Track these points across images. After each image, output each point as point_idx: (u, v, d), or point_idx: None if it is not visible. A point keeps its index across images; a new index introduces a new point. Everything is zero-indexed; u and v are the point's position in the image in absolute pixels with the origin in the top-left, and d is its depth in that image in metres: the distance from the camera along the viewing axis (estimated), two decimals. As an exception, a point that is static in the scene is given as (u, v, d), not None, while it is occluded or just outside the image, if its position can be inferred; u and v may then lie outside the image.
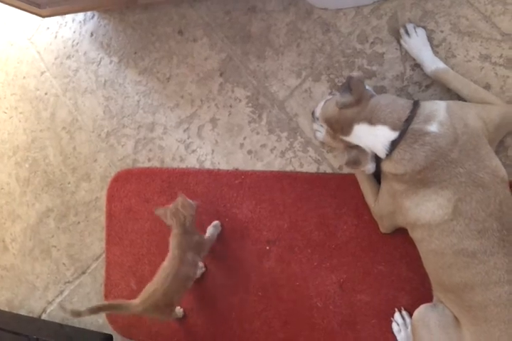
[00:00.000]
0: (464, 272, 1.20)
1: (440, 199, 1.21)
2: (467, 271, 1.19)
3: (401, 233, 1.46)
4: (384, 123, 1.25)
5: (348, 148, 1.38)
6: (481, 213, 1.17)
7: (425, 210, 1.23)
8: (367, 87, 1.35)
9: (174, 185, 1.97)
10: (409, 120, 1.22)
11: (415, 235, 1.31)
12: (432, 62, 1.46)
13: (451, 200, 1.19)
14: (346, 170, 1.65)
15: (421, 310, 1.33)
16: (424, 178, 1.22)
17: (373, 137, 1.28)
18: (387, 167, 1.30)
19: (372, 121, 1.27)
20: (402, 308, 1.53)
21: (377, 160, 1.37)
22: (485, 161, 1.19)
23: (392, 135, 1.24)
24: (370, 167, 1.39)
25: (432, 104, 1.26)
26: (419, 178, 1.23)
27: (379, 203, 1.47)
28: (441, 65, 1.45)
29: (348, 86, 1.31)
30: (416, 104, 1.26)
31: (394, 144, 1.24)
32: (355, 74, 1.30)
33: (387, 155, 1.27)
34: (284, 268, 1.73)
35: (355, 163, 1.38)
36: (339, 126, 1.35)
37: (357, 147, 1.35)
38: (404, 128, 1.22)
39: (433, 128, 1.20)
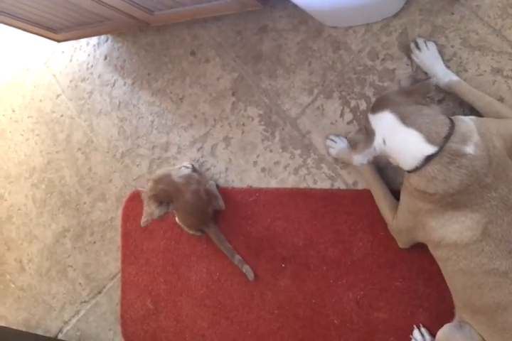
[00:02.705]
0: (495, 292, 1.16)
1: (469, 222, 1.17)
2: (499, 290, 1.15)
3: (418, 249, 1.44)
4: (419, 130, 1.17)
5: (361, 130, 1.33)
6: None
7: (452, 231, 1.19)
8: (430, 101, 1.27)
9: (189, 204, 1.98)
10: (447, 137, 1.16)
11: (439, 254, 1.27)
12: (444, 75, 1.45)
13: (481, 223, 1.15)
14: (361, 186, 1.65)
15: (445, 331, 1.30)
16: (454, 201, 1.17)
17: (401, 140, 1.21)
18: (415, 182, 1.23)
19: (406, 121, 1.19)
20: (421, 325, 1.50)
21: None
22: None
23: (429, 149, 1.16)
24: (358, 159, 1.31)
25: (465, 124, 1.20)
26: (449, 201, 1.18)
27: (398, 219, 1.42)
28: (454, 77, 1.44)
29: (417, 81, 1.26)
30: (452, 122, 1.20)
31: (427, 159, 1.17)
32: (433, 80, 1.24)
33: (416, 168, 1.20)
34: (299, 285, 1.72)
35: (352, 144, 1.33)
36: (377, 101, 1.29)
37: (368, 135, 1.29)
38: (443, 145, 1.15)
39: (470, 149, 1.14)
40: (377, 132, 1.26)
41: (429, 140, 1.17)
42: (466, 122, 1.21)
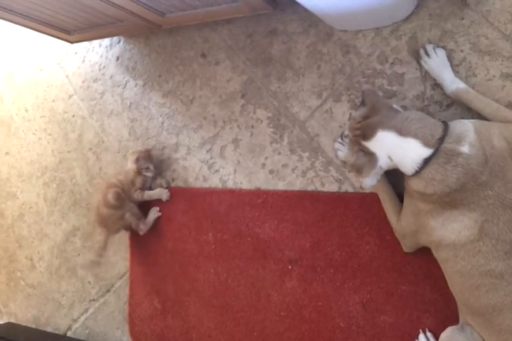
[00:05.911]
0: (492, 294, 1.17)
1: (466, 221, 1.18)
2: (495, 292, 1.17)
3: (424, 253, 1.44)
4: (415, 137, 1.22)
5: (359, 152, 1.35)
6: (509, 234, 1.15)
7: (450, 230, 1.21)
8: (394, 106, 1.35)
9: (197, 205, 1.99)
10: (442, 138, 1.20)
11: (440, 255, 1.29)
12: (452, 83, 1.46)
13: (478, 221, 1.17)
14: (368, 190, 1.65)
15: (448, 334, 1.30)
16: (452, 200, 1.20)
17: (402, 150, 1.25)
18: (414, 185, 1.26)
19: (402, 132, 1.23)
20: (427, 329, 1.50)
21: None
22: None
23: (426, 152, 1.20)
24: (368, 181, 1.35)
25: (461, 125, 1.24)
26: (447, 200, 1.20)
27: (401, 222, 1.44)
28: (461, 84, 1.45)
29: (362, 100, 1.31)
30: (445, 124, 1.24)
31: (425, 162, 1.21)
32: (365, 86, 1.29)
33: (416, 171, 1.23)
34: (306, 288, 1.72)
35: (357, 169, 1.36)
36: (361, 132, 1.32)
37: (369, 157, 1.33)
38: (438, 147, 1.19)
39: (465, 149, 1.17)
40: (379, 153, 1.31)
41: (425, 143, 1.21)
42: (463, 123, 1.25)
